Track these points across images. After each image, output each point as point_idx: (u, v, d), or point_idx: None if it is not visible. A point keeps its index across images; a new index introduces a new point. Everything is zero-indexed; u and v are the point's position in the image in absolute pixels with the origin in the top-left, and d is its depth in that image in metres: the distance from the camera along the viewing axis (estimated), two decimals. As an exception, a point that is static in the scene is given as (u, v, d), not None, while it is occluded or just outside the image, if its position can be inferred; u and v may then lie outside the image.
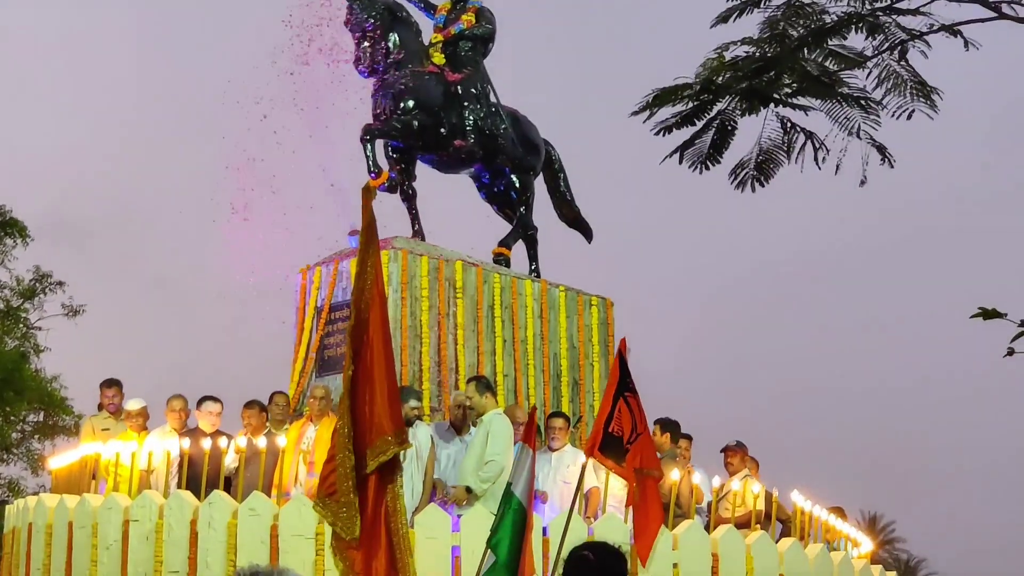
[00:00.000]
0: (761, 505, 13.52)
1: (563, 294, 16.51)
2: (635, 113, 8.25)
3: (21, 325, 27.08)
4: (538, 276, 16.86)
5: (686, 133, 8.35)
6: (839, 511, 15.28)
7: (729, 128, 8.26)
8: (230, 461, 13.37)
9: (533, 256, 17.26)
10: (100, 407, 14.87)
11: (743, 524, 13.48)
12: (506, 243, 16.82)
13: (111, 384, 14.72)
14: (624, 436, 9.96)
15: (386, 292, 10.07)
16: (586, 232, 18.20)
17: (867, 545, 16.37)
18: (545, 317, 16.26)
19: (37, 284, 27.56)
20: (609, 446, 10.00)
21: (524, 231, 17.06)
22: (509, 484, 9.68)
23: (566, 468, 13.06)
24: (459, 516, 12.30)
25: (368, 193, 8.61)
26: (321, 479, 8.72)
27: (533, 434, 9.92)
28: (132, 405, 14.33)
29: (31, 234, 26.79)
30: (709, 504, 13.78)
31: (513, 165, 16.86)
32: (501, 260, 16.61)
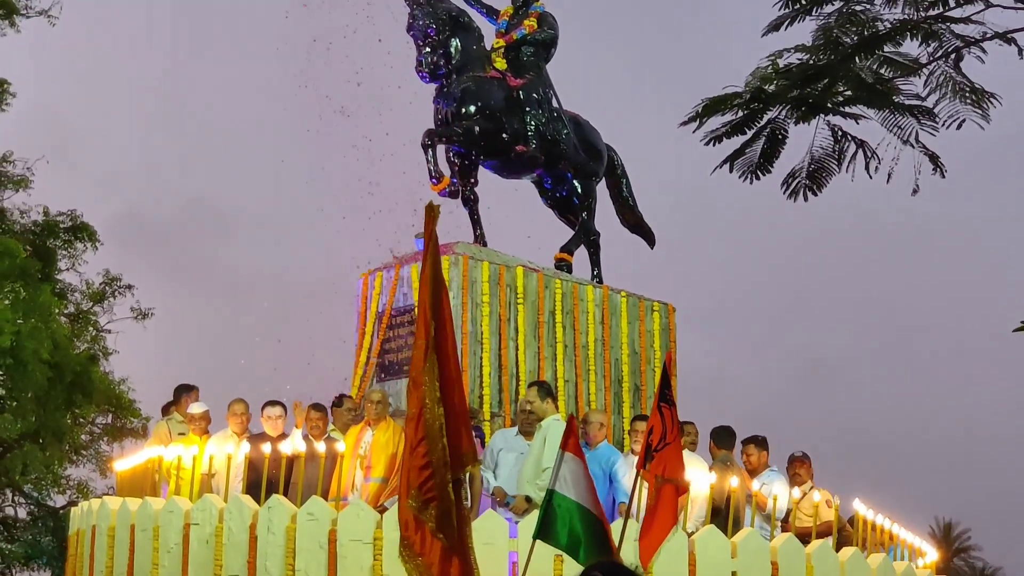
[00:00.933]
0: (831, 515, 13.41)
1: (625, 299, 16.45)
2: (685, 123, 8.21)
3: (91, 328, 27.41)
4: (600, 282, 16.81)
5: (736, 142, 8.30)
6: (889, 516, 14.98)
7: (780, 137, 8.19)
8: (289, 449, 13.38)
9: (595, 262, 17.23)
10: (166, 410, 14.98)
11: (822, 535, 13.33)
12: (568, 248, 16.80)
13: (189, 389, 14.85)
14: (653, 442, 10.05)
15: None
16: (648, 237, 18.14)
17: (932, 555, 16.16)
18: (607, 323, 16.22)
19: (107, 287, 27.87)
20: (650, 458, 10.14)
21: (586, 236, 17.03)
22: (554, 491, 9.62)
23: None
24: (516, 523, 12.28)
25: (432, 211, 8.60)
26: (417, 484, 8.71)
27: (575, 440, 9.90)
28: (195, 408, 14.44)
29: (100, 238, 27.12)
30: (788, 513, 13.56)
31: (575, 170, 16.84)
32: (563, 265, 16.59)
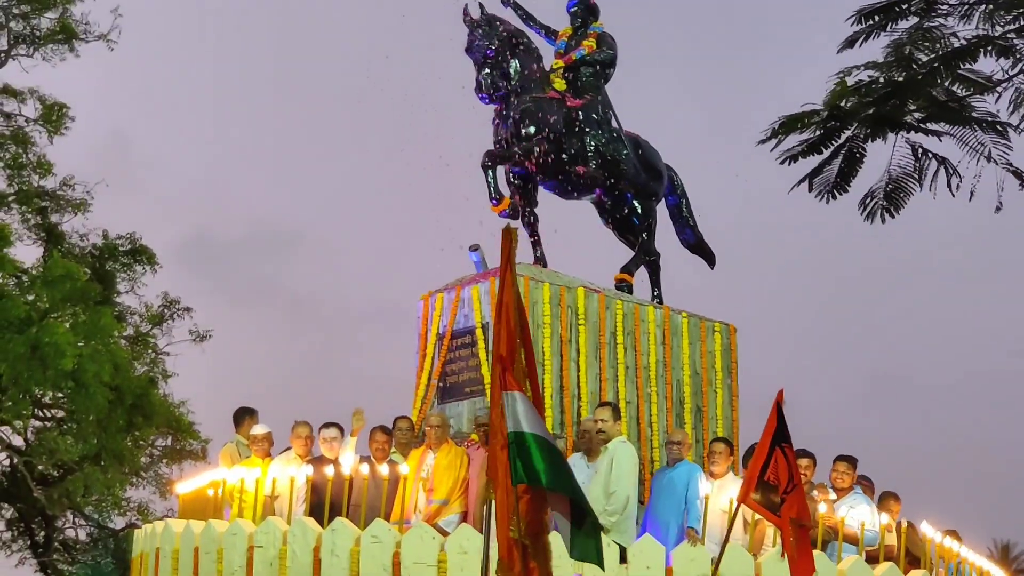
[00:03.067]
0: (894, 540, 13.24)
1: (686, 320, 16.33)
2: (763, 141, 8.12)
3: (149, 351, 27.56)
4: (660, 303, 16.71)
5: (812, 162, 8.19)
6: (954, 534, 14.78)
7: (857, 155, 8.08)
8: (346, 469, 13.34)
9: (655, 282, 17.14)
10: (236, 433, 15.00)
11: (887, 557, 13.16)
12: (628, 269, 16.71)
13: (251, 412, 14.89)
14: (780, 487, 10.01)
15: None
16: (709, 258, 18.04)
17: (998, 575, 15.94)
18: (668, 344, 16.10)
19: (165, 310, 28.03)
20: (760, 491, 10.05)
21: (646, 257, 16.95)
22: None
23: (727, 498, 12.67)
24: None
25: (509, 234, 8.53)
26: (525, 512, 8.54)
27: (511, 377, 9.19)
28: (257, 430, 14.43)
29: (160, 260, 27.29)
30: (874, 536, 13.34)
31: (635, 191, 16.77)
32: (623, 286, 16.51)
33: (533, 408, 8.20)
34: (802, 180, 8.39)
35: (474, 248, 16.06)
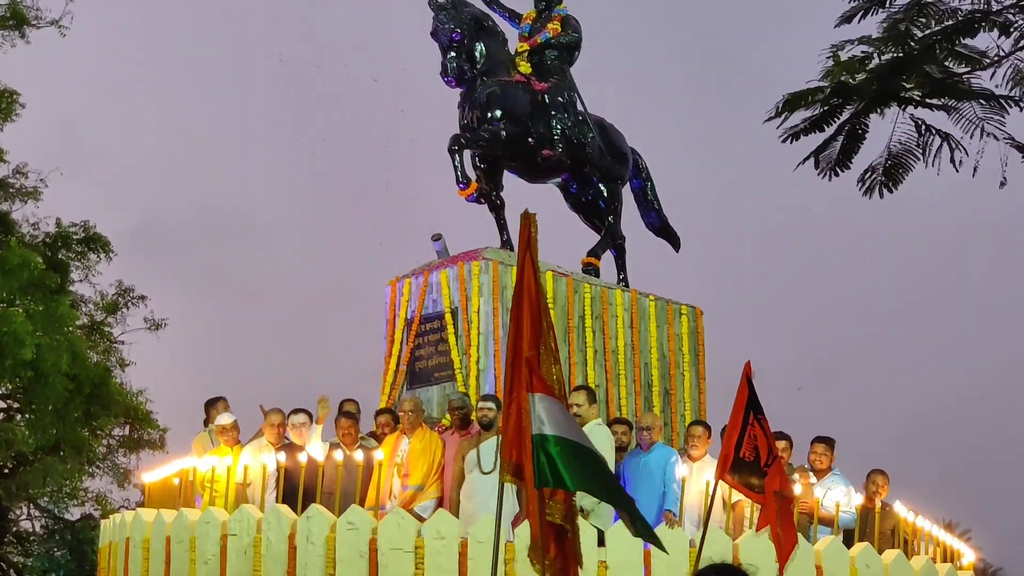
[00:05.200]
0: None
1: (653, 303, 16.33)
2: (769, 119, 8.09)
3: (105, 340, 27.26)
4: (627, 286, 16.71)
5: (815, 139, 8.16)
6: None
7: (860, 132, 8.06)
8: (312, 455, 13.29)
9: (621, 266, 17.14)
10: (206, 423, 14.85)
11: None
12: (595, 253, 16.70)
13: (216, 400, 14.74)
14: (761, 460, 9.97)
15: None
16: (674, 241, 18.04)
17: (969, 556, 16.07)
18: (636, 327, 16.09)
19: (119, 298, 27.72)
20: (737, 469, 9.99)
21: (613, 240, 16.93)
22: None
23: (704, 481, 12.75)
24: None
25: (528, 219, 8.34)
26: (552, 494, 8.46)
27: (538, 379, 9.13)
28: (224, 419, 14.28)
29: (115, 248, 26.98)
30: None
31: (601, 174, 16.74)
32: (590, 270, 16.49)
33: (560, 408, 8.07)
34: (807, 158, 8.37)
35: (436, 237, 16.00)
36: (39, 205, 26.55)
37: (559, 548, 8.17)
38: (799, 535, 12.53)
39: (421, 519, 12.59)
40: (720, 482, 10.33)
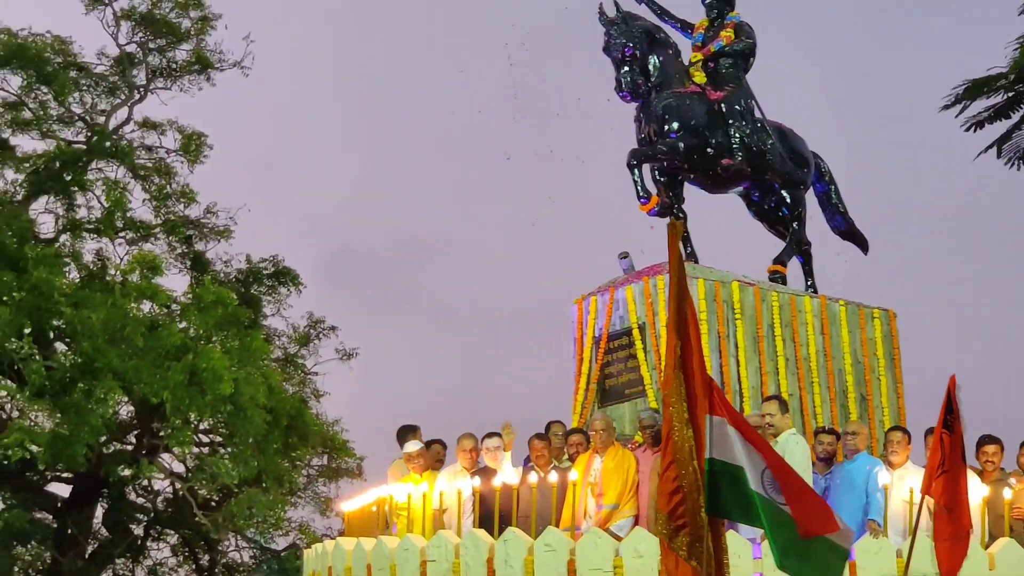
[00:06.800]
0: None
1: (843, 308, 16.00)
2: (946, 107, 7.85)
3: (299, 371, 27.83)
4: (815, 292, 16.41)
5: (999, 128, 7.89)
6: None
7: (1049, 120, 7.77)
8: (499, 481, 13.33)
9: (808, 272, 16.86)
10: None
11: None
12: (781, 260, 16.44)
13: (413, 430, 14.86)
14: (930, 471, 9.82)
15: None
16: (861, 243, 17.67)
17: None
18: (827, 333, 15.79)
19: (311, 330, 28.29)
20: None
21: (798, 247, 16.66)
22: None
23: (908, 488, 12.41)
24: (759, 542, 11.94)
25: (675, 229, 8.32)
26: (667, 511, 8.47)
27: (718, 399, 9.02)
28: (411, 447, 14.38)
29: (305, 280, 27.58)
30: None
31: (783, 181, 16.49)
32: (777, 278, 16.24)
33: (732, 434, 8.03)
34: (989, 147, 8.10)
35: (623, 256, 15.94)
36: (231, 242, 27.30)
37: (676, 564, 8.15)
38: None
39: (618, 538, 12.49)
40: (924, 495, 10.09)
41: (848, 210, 17.50)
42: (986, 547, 12.16)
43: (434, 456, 14.56)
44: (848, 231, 17.56)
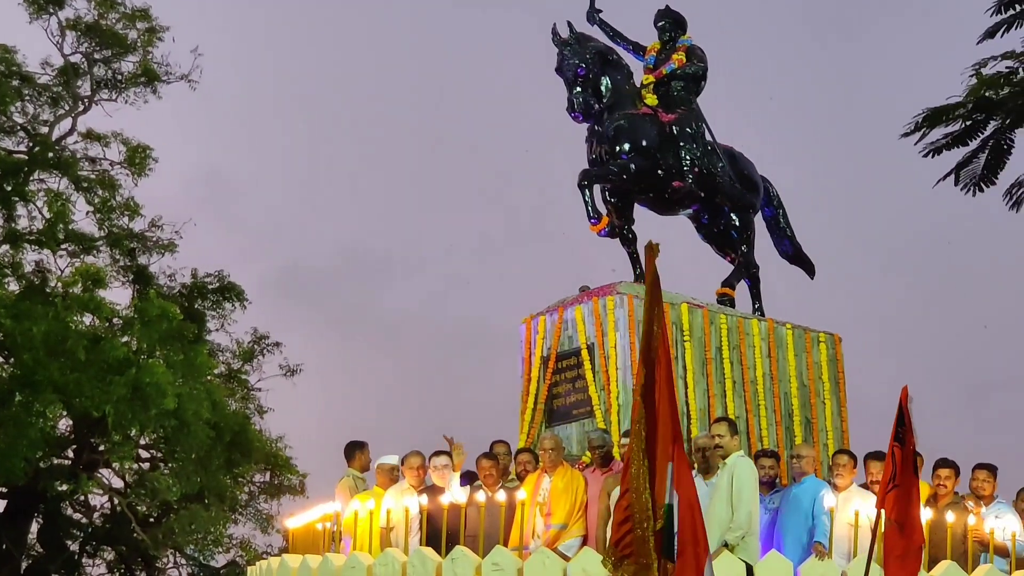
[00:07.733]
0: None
1: (790, 332, 16.09)
2: (906, 135, 7.94)
3: (242, 387, 27.65)
4: (763, 315, 16.49)
5: (955, 155, 7.99)
6: None
7: (1005, 147, 7.87)
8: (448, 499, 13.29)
9: (756, 295, 16.93)
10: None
11: None
12: (730, 283, 16.51)
13: (362, 446, 14.79)
14: (881, 485, 9.83)
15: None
16: (808, 268, 17.79)
17: None
18: (773, 356, 15.86)
19: (255, 346, 28.12)
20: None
21: (747, 270, 16.73)
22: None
23: (852, 511, 12.52)
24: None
25: (652, 251, 8.31)
26: (614, 541, 8.47)
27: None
28: (387, 460, 14.33)
29: (250, 296, 27.44)
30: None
31: (732, 204, 16.57)
32: (725, 300, 16.30)
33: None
34: (948, 173, 8.21)
35: (584, 289, 15.92)
36: (176, 256, 27.10)
37: None
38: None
39: (566, 558, 12.47)
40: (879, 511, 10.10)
41: (795, 234, 17.61)
42: (928, 570, 12.24)
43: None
44: (795, 255, 17.67)
